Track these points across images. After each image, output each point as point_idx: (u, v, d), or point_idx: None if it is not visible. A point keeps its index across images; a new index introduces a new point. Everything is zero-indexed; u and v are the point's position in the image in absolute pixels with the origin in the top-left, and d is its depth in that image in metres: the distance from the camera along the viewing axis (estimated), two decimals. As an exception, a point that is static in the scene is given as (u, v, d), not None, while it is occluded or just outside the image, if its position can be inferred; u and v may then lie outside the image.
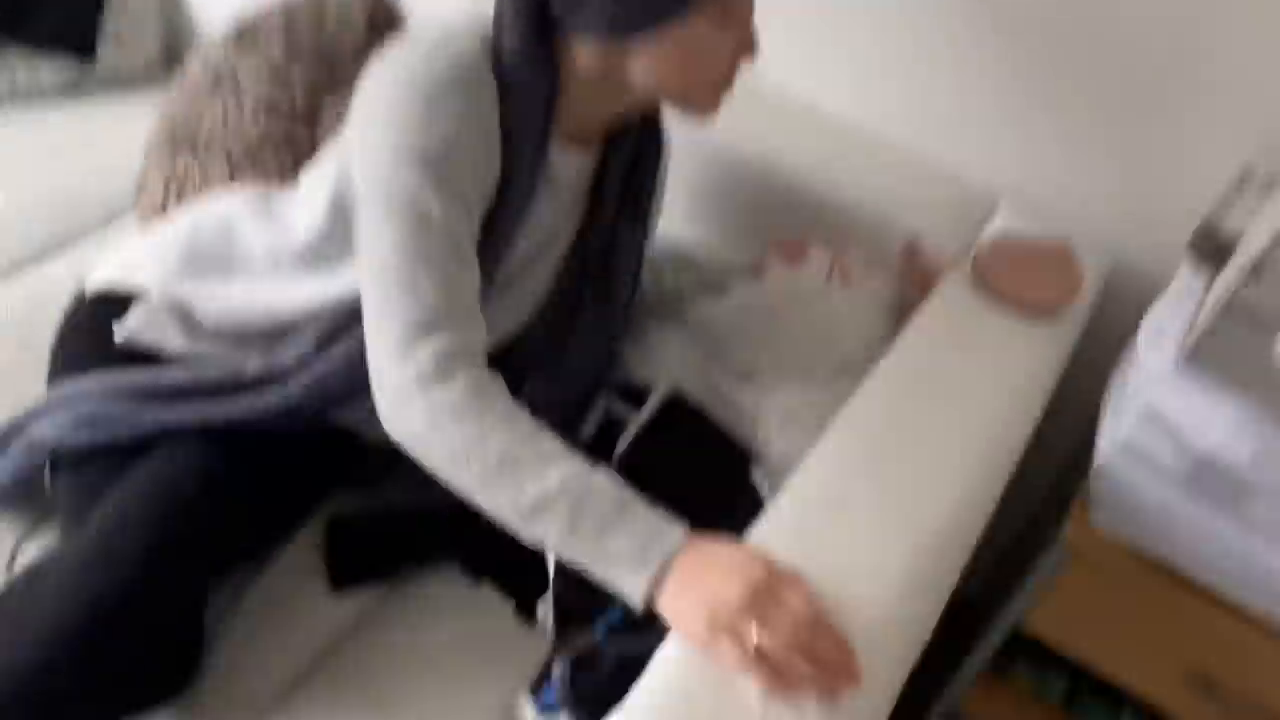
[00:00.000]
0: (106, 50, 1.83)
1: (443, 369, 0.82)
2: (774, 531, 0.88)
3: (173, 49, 1.95)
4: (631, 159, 1.08)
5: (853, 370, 1.14)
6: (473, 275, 0.90)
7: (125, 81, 1.86)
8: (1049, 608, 1.17)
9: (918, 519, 0.91)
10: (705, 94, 0.93)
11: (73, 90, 1.81)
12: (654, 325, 1.24)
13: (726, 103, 0.95)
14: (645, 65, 0.90)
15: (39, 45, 1.77)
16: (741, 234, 1.44)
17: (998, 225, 1.31)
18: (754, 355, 1.19)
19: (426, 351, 0.83)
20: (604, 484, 0.81)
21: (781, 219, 1.38)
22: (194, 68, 1.60)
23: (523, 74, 0.91)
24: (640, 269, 1.17)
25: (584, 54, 0.92)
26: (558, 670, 1.01)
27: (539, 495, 0.79)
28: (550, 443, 0.82)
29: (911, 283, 1.23)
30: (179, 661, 0.97)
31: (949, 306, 1.17)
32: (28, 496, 1.10)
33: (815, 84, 1.43)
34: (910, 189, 1.35)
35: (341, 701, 1.04)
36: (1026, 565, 1.20)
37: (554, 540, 0.80)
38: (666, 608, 0.77)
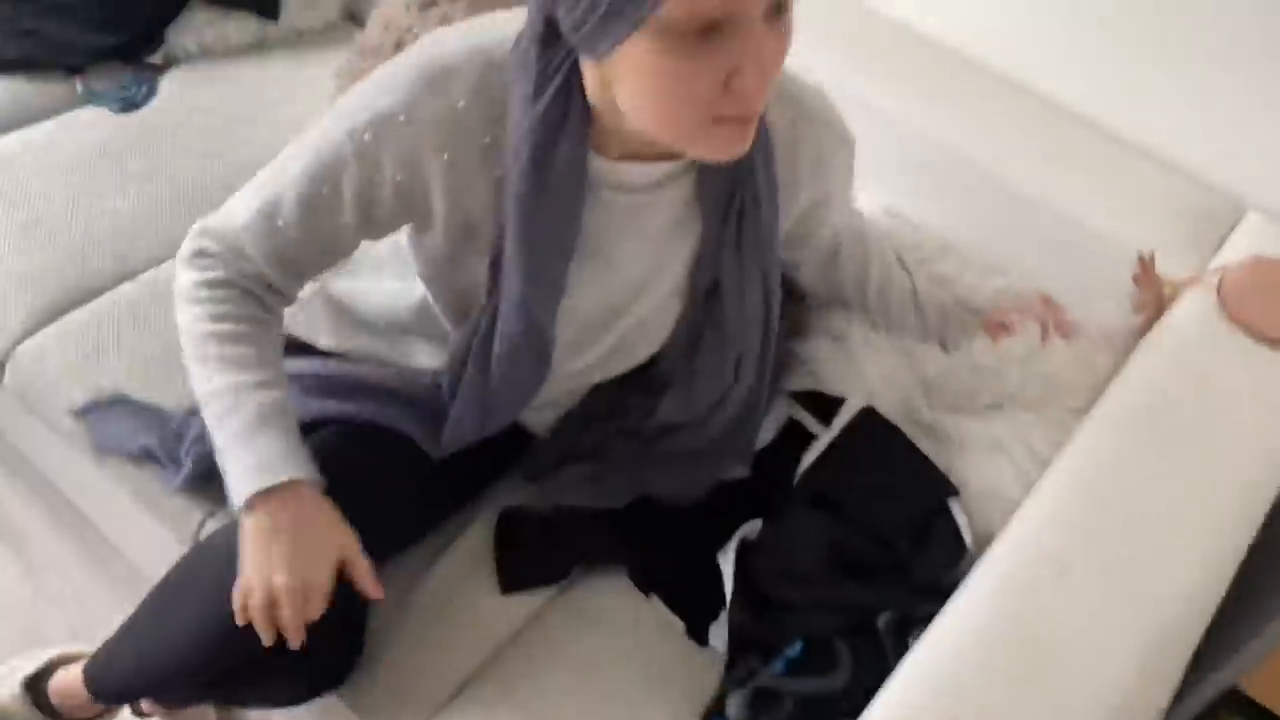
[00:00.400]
0: (289, 10, 1.83)
1: (199, 261, 0.94)
2: (992, 591, 0.80)
3: (354, 10, 1.94)
4: (731, 174, 0.89)
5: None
6: (315, 247, 0.92)
7: (307, 41, 1.86)
8: (1271, 672, 1.06)
9: (1152, 591, 0.82)
10: (689, 132, 0.74)
11: (256, 49, 1.82)
12: (860, 334, 1.16)
13: (735, 143, 0.75)
14: (623, 93, 0.74)
15: (226, 4, 1.78)
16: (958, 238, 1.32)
17: (1243, 240, 1.17)
18: (970, 403, 1.10)
19: (204, 242, 0.94)
20: (260, 401, 0.90)
21: (993, 222, 1.27)
22: (374, 29, 1.57)
23: (528, 85, 0.80)
24: (770, 299, 1.01)
25: (586, 72, 0.79)
26: (734, 706, 0.97)
27: (207, 391, 0.91)
28: (247, 353, 0.92)
29: (1141, 305, 1.11)
30: (338, 650, 0.99)
31: (1186, 338, 1.05)
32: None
33: (1026, 64, 1.31)
34: (1140, 194, 1.22)
35: (505, 705, 1.02)
36: (1248, 622, 1.09)
37: (211, 429, 0.91)
38: (249, 528, 0.88)
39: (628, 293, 0.95)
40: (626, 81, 0.72)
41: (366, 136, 0.83)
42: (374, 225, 0.90)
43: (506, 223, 0.85)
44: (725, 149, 0.75)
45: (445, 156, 0.83)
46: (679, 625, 1.09)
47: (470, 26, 0.85)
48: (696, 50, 0.67)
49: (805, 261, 1.13)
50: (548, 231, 0.85)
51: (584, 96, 0.80)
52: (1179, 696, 1.17)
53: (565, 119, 0.80)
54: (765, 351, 1.04)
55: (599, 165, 0.85)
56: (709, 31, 0.66)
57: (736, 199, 0.89)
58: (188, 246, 0.95)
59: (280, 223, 0.89)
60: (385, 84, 0.83)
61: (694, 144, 0.75)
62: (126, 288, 1.41)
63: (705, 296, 0.97)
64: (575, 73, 0.78)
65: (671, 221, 0.92)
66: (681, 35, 0.66)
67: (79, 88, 1.70)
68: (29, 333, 1.35)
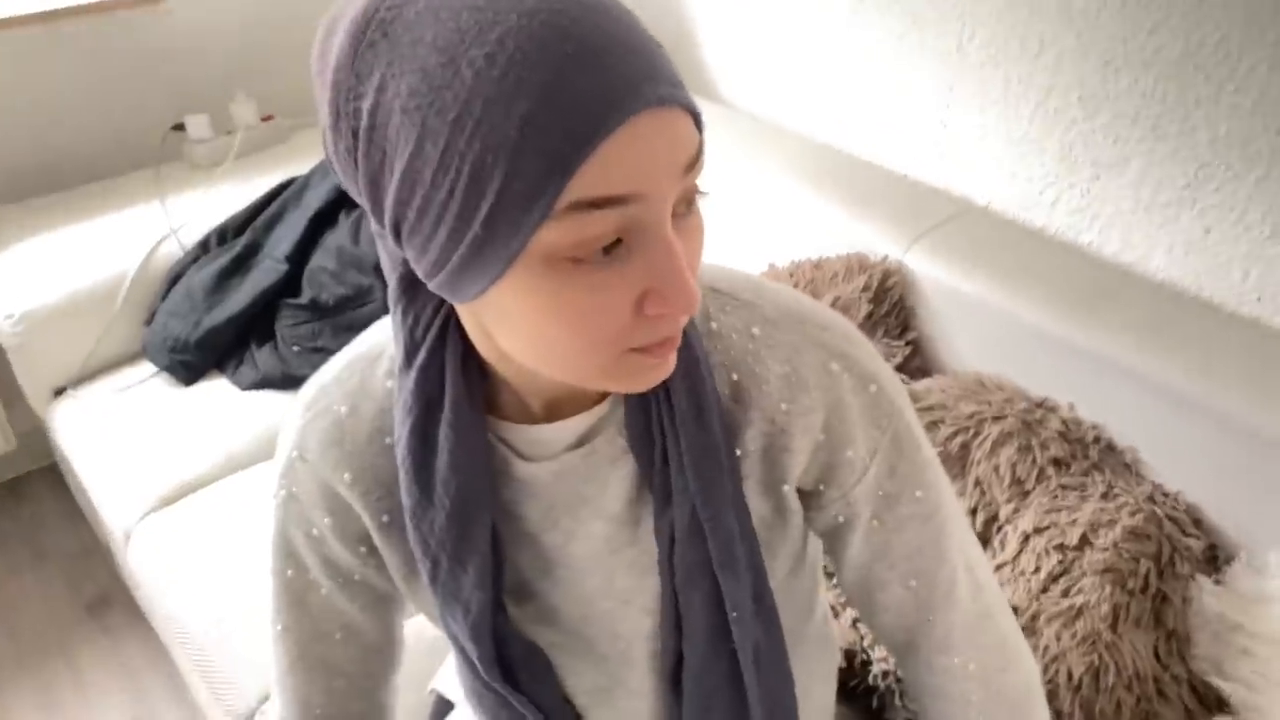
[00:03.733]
0: None
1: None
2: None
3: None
4: (644, 400, 0.67)
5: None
6: (331, 641, 0.80)
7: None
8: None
9: None
10: (595, 372, 0.56)
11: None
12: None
13: (658, 370, 0.58)
14: (505, 339, 0.57)
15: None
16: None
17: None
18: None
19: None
20: None
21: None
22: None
23: (399, 354, 0.65)
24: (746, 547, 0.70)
25: (464, 320, 0.62)
26: None
27: None
28: None
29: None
30: None
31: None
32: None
33: None
34: None
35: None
36: None
37: None
38: None
39: (588, 592, 0.73)
40: (507, 325, 0.55)
41: (283, 494, 0.73)
42: (355, 588, 0.77)
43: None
44: (645, 379, 0.57)
45: (346, 476, 0.70)
46: None
47: (359, 338, 0.73)
48: (594, 275, 0.51)
49: (841, 571, 0.77)
50: (447, 532, 0.65)
51: (466, 351, 0.62)
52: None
53: (442, 384, 0.63)
54: (774, 639, 0.74)
55: (505, 433, 0.67)
56: (607, 250, 0.51)
57: (656, 429, 0.66)
58: None
59: (279, 627, 0.79)
60: (280, 442, 0.74)
61: (603, 382, 0.57)
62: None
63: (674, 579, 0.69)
64: (451, 324, 0.62)
65: (613, 484, 0.69)
66: (573, 262, 0.50)
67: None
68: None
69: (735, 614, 0.68)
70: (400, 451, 0.64)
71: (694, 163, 0.52)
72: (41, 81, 1.99)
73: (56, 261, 1.80)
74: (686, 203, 0.54)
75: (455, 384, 0.62)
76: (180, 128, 2.04)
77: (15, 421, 2.10)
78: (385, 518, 0.70)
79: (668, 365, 0.57)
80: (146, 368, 1.78)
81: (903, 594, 0.73)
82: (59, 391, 1.79)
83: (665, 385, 0.64)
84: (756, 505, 0.69)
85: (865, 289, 1.44)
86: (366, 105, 0.50)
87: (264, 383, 1.72)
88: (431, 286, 0.55)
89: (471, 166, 0.47)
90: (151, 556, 1.52)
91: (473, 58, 0.46)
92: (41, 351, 1.76)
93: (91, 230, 1.86)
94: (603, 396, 0.67)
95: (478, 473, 0.64)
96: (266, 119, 2.12)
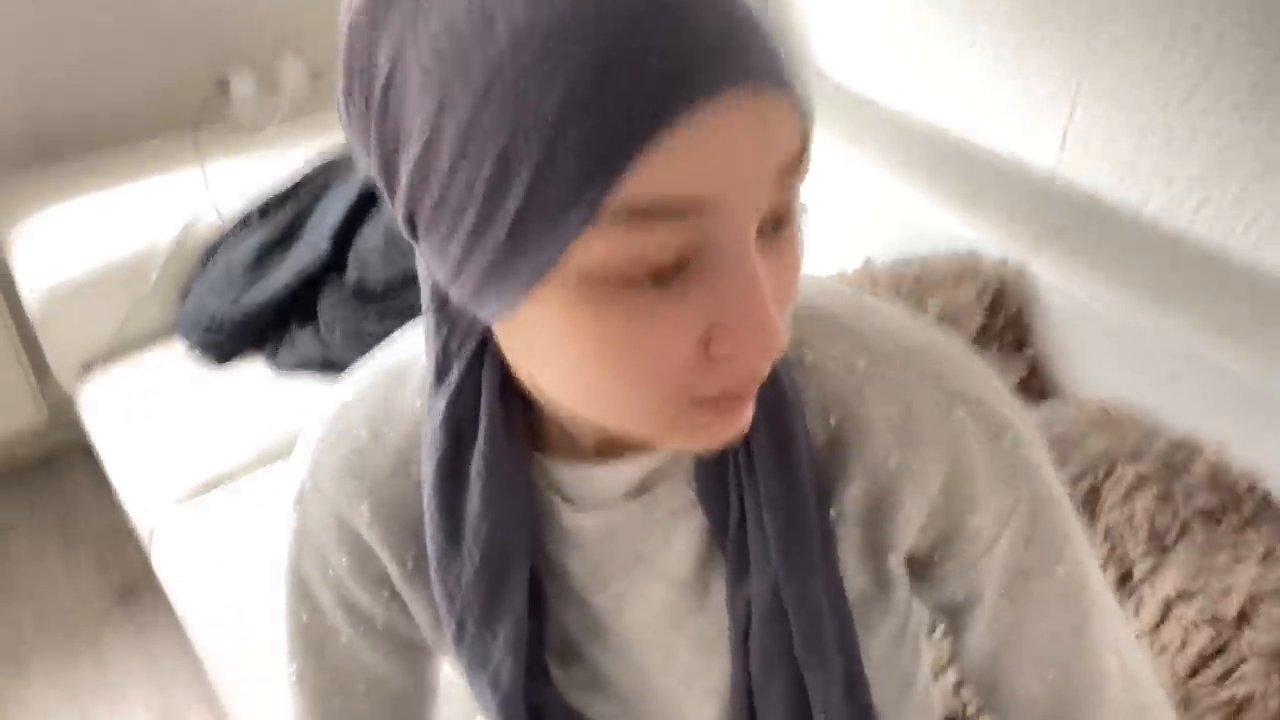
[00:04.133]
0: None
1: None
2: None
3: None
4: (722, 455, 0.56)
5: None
6: (354, 696, 0.69)
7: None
8: None
9: None
10: (650, 421, 0.45)
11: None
12: None
13: (725, 429, 0.46)
14: (538, 368, 0.47)
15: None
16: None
17: None
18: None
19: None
20: None
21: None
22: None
23: (430, 374, 0.55)
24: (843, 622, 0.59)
25: (501, 339, 0.50)
26: None
27: None
28: None
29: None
30: None
31: None
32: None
33: None
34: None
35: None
36: None
37: None
38: None
39: (644, 665, 0.63)
40: (538, 355, 0.45)
41: (295, 524, 0.64)
42: (379, 635, 0.66)
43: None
44: (708, 437, 0.46)
45: (365, 512, 0.60)
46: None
47: (389, 343, 0.64)
48: (647, 303, 0.40)
49: (963, 654, 0.64)
50: (475, 589, 0.56)
51: (506, 374, 0.52)
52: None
53: (477, 411, 0.52)
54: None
55: (550, 473, 0.56)
56: (666, 270, 0.39)
57: (732, 480, 0.55)
58: None
59: (295, 673, 0.69)
60: (294, 460, 0.64)
61: (657, 435, 0.46)
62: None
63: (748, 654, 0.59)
64: (491, 341, 0.51)
65: (677, 542, 0.58)
66: (621, 283, 0.39)
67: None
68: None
69: (823, 716, 0.58)
70: (426, 489, 0.55)
71: (794, 167, 0.41)
72: (73, 34, 1.86)
73: (87, 230, 1.68)
74: (778, 219, 0.42)
75: (491, 411, 0.52)
76: (223, 86, 1.91)
77: (49, 393, 2.00)
78: (409, 563, 0.61)
79: (738, 422, 0.46)
80: (179, 345, 1.66)
81: (1038, 689, 0.60)
82: (87, 367, 1.68)
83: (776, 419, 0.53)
84: (853, 577, 0.58)
85: (979, 298, 1.27)
86: (382, 62, 0.40)
87: (302, 366, 1.59)
88: (452, 296, 0.45)
89: (498, 154, 0.37)
90: (177, 555, 1.42)
91: (512, 12, 0.36)
92: (69, 325, 1.65)
93: (125, 197, 1.74)
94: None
95: (514, 519, 0.54)
96: (316, 77, 1.98)
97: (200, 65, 1.95)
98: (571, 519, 0.57)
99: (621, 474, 0.56)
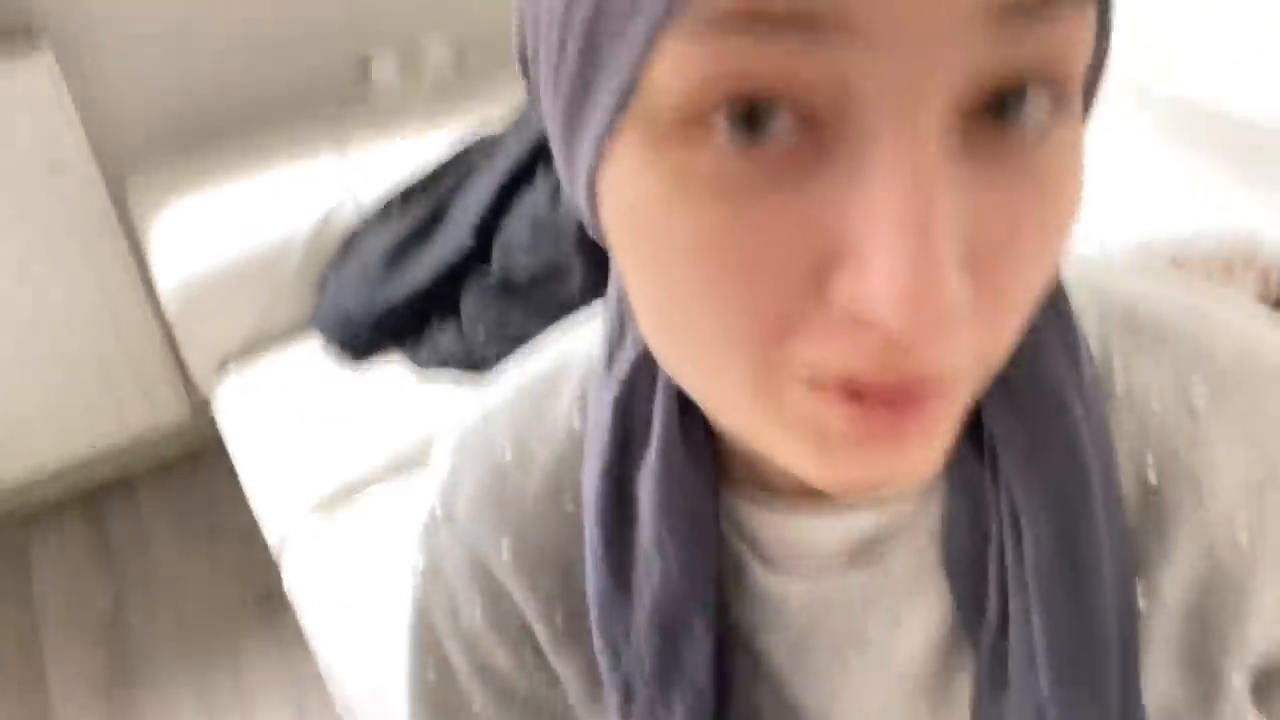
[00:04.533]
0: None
1: None
2: None
3: None
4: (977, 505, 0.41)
5: None
6: None
7: None
8: None
9: None
10: (734, 403, 0.33)
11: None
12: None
13: (868, 459, 0.31)
14: (631, 278, 0.34)
15: None
16: None
17: None
18: None
19: None
20: None
21: None
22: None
23: (609, 344, 0.43)
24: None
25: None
26: None
27: None
28: None
29: None
30: None
31: None
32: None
33: None
34: None
35: None
36: None
37: None
38: None
39: None
40: (629, 251, 0.32)
41: (423, 565, 0.52)
42: (521, 707, 0.52)
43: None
44: (845, 464, 0.31)
45: (505, 548, 0.47)
46: None
47: (545, 343, 0.51)
48: (750, 181, 0.27)
49: None
50: (647, 641, 0.43)
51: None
52: None
53: (651, 409, 0.41)
54: None
55: (740, 518, 0.43)
56: (782, 144, 0.27)
57: (994, 554, 0.40)
58: None
59: None
60: (428, 473, 0.53)
61: (766, 429, 0.32)
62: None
63: None
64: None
65: (912, 627, 0.43)
66: (689, 134, 0.27)
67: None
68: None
69: None
70: (588, 511, 0.43)
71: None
72: (209, 19, 1.80)
73: (223, 222, 1.60)
74: (1011, 91, 0.27)
75: (667, 413, 0.40)
76: (365, 66, 1.80)
77: (192, 388, 1.96)
78: (559, 620, 0.48)
79: (891, 448, 0.30)
80: (316, 343, 1.56)
81: None
82: (224, 364, 1.60)
83: (1014, 476, 0.38)
84: (1163, 691, 0.41)
85: (1263, 290, 1.02)
86: None
87: (445, 364, 1.47)
88: (557, 163, 0.35)
89: None
90: (308, 568, 1.32)
91: None
92: (205, 321, 1.58)
93: (262, 186, 1.65)
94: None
95: (697, 564, 0.41)
96: (462, 57, 1.85)
97: (340, 46, 1.86)
98: (768, 584, 0.43)
99: (839, 529, 0.41)
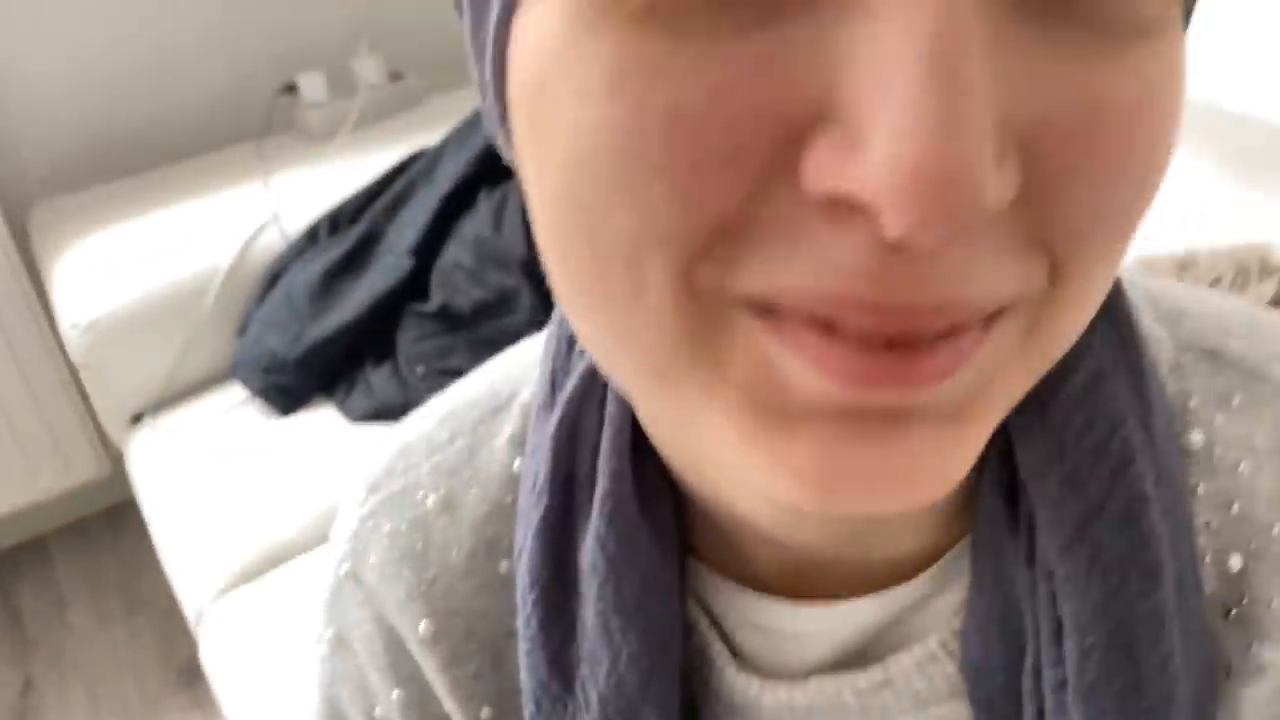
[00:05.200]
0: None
1: None
2: None
3: None
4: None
5: None
6: None
7: None
8: None
9: None
10: (663, 306, 0.22)
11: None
12: None
13: (852, 430, 0.21)
14: (531, 173, 0.24)
15: None
16: None
17: None
18: None
19: None
20: None
21: None
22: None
23: (550, 378, 0.36)
24: None
25: None
26: None
27: None
28: None
29: None
30: None
31: None
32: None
33: None
34: None
35: None
36: None
37: None
38: None
39: None
40: (539, 129, 0.22)
41: (329, 636, 0.42)
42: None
43: None
44: (806, 461, 0.22)
45: (423, 625, 0.38)
46: None
47: (483, 368, 0.42)
48: (715, 32, 0.19)
49: None
50: None
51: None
52: None
53: (598, 452, 0.33)
54: None
55: (709, 599, 0.35)
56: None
57: (1029, 664, 0.31)
58: None
59: None
60: (334, 527, 0.42)
61: (700, 435, 0.24)
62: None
63: None
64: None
65: None
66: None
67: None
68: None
69: None
70: (521, 575, 0.34)
71: None
72: (126, 40, 1.66)
73: (136, 257, 1.45)
74: None
75: (617, 452, 0.31)
76: (291, 89, 1.67)
77: (109, 443, 1.80)
78: (485, 711, 0.38)
79: (887, 423, 0.21)
80: (238, 391, 1.41)
81: None
82: (137, 418, 1.44)
83: (1058, 560, 0.28)
84: None
85: (1275, 304, 0.92)
86: None
87: (380, 414, 1.33)
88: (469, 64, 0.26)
89: None
90: (228, 647, 1.17)
91: None
92: (115, 368, 1.42)
93: (178, 218, 1.51)
94: (916, 568, 0.32)
95: (655, 652, 0.32)
96: (395, 78, 1.73)
97: (266, 69, 1.72)
98: (741, 687, 0.34)
99: (829, 621, 0.33)
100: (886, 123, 0.17)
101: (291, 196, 1.52)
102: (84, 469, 1.80)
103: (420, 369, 1.33)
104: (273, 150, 1.62)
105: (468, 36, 0.25)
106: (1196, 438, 0.31)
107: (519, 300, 1.30)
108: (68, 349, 1.43)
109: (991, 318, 0.21)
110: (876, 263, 0.19)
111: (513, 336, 0.41)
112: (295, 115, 1.69)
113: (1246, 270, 0.95)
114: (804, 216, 0.19)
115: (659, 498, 0.32)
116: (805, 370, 0.21)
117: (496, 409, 0.39)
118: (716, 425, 0.23)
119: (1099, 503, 0.28)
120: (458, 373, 1.28)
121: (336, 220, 1.47)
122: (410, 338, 1.35)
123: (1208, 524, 0.31)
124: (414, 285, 1.38)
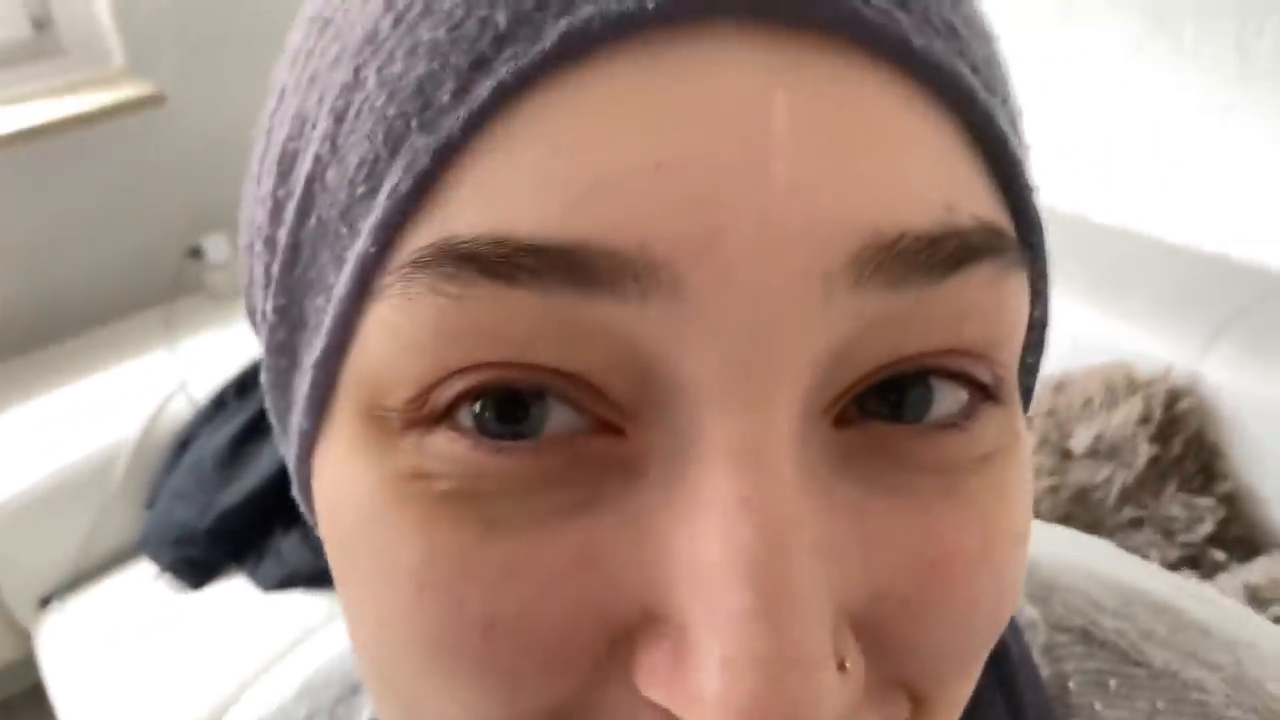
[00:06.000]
0: None
1: None
2: None
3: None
4: None
5: None
6: None
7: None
8: None
9: None
10: None
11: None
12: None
13: None
14: (358, 642, 0.23)
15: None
16: None
17: None
18: None
19: None
20: None
21: None
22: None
23: None
24: None
25: None
26: None
27: None
28: None
29: None
30: None
31: None
32: None
33: None
34: None
35: None
36: None
37: None
38: None
39: None
40: (354, 601, 0.22)
41: None
42: None
43: None
44: None
45: None
46: None
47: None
48: (530, 513, 0.18)
49: None
50: None
51: None
52: None
53: None
54: None
55: None
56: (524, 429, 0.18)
57: None
58: None
59: None
60: None
61: None
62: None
63: None
64: None
65: None
66: (485, 476, 0.18)
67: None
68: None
69: None
70: None
71: (938, 243, 0.17)
72: (23, 213, 1.65)
73: (39, 435, 1.43)
74: (921, 387, 0.18)
75: None
76: (197, 253, 1.68)
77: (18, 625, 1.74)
78: None
79: None
80: (147, 567, 1.38)
81: None
82: (45, 601, 1.40)
83: None
84: None
85: (1143, 420, 0.95)
86: None
87: (292, 580, 1.30)
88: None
89: (280, 154, 0.21)
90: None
91: None
92: (22, 552, 1.38)
93: (83, 392, 1.49)
94: None
95: None
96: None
97: (170, 233, 1.72)
98: None
99: None
100: (718, 649, 0.16)
101: (200, 360, 1.51)
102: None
103: (332, 531, 1.32)
104: (181, 314, 1.62)
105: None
106: None
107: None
108: (-29, 536, 1.39)
109: None
110: None
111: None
112: (202, 277, 1.69)
113: (1114, 388, 0.98)
114: (639, 710, 0.18)
115: None
116: None
117: (355, 687, 0.36)
118: None
119: None
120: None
121: (244, 384, 1.46)
122: (321, 500, 1.34)
123: None
124: (323, 446, 1.37)
